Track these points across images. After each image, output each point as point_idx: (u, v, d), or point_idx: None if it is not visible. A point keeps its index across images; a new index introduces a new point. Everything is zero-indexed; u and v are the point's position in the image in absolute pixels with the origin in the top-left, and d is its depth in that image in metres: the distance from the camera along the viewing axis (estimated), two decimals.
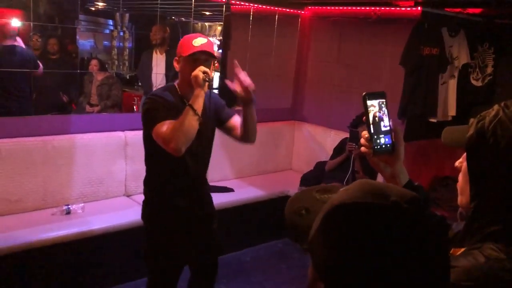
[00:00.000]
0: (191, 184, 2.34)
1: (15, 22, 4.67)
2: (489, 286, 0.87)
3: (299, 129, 4.91)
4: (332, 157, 4.12)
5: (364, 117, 1.11)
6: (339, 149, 4.09)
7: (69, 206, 3.24)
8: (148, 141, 2.21)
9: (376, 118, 1.11)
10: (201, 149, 2.30)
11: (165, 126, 2.03)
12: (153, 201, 2.40)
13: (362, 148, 1.13)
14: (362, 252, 0.65)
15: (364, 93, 1.11)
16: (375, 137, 1.11)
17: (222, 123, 2.38)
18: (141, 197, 3.62)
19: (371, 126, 1.10)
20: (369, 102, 1.10)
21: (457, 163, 1.05)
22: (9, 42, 4.05)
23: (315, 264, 0.70)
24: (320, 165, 4.29)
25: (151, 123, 2.08)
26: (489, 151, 0.92)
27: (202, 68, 2.06)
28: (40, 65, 4.36)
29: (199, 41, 2.13)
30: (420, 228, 0.67)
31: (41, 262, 2.92)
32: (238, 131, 2.34)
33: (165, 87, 2.31)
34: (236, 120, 2.37)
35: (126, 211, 3.38)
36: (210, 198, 2.54)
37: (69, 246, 3.00)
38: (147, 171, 2.40)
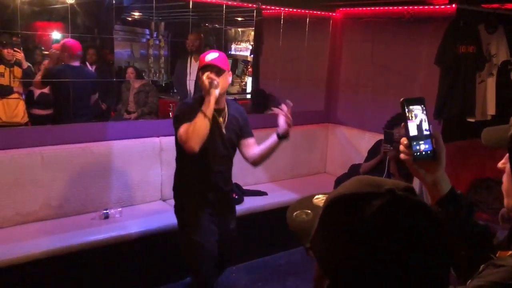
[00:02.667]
0: (214, 184, 2.65)
1: (56, 35, 4.87)
2: None
3: (333, 131, 4.87)
4: (367, 160, 4.06)
5: (403, 124, 1.10)
6: (374, 151, 4.03)
7: (108, 211, 3.34)
8: (177, 142, 2.55)
9: (415, 124, 1.09)
10: (224, 152, 2.63)
11: (184, 129, 2.40)
12: (180, 193, 2.75)
13: (402, 155, 1.11)
14: (361, 240, 0.64)
15: (402, 99, 1.09)
16: (415, 143, 1.08)
17: (239, 137, 2.69)
18: None
19: (410, 132, 1.09)
20: (407, 108, 1.09)
21: (499, 164, 1.02)
22: (75, 63, 4.06)
23: (318, 260, 0.71)
24: (354, 167, 4.24)
25: (176, 126, 2.47)
26: None
27: (206, 74, 2.41)
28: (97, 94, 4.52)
29: (209, 56, 2.48)
30: (416, 214, 0.66)
31: (81, 266, 3.02)
32: (249, 151, 2.68)
33: (194, 96, 2.74)
34: (251, 142, 2.70)
35: (162, 215, 3.44)
36: (231, 200, 2.93)
37: (108, 250, 3.08)
38: (176, 168, 2.75)
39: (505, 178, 0.99)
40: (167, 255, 3.38)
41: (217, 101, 2.48)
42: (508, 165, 0.96)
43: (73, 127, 3.58)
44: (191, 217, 2.66)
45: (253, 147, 2.68)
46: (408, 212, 0.66)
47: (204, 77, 2.41)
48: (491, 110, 3.97)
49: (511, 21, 3.92)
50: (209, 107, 2.38)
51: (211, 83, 2.39)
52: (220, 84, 2.43)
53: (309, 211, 0.79)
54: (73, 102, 4.12)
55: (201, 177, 2.62)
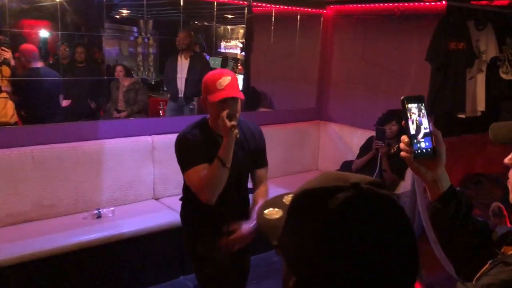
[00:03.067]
0: (229, 211, 2.26)
1: (43, 33, 4.82)
2: None
3: (324, 129, 4.88)
4: (359, 156, 4.09)
5: (403, 122, 1.10)
6: (366, 147, 4.05)
7: (100, 210, 3.31)
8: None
9: (416, 122, 1.09)
10: (235, 178, 2.22)
11: (195, 176, 2.05)
12: (190, 224, 2.38)
13: (402, 153, 1.11)
14: (325, 235, 0.63)
15: (402, 97, 1.09)
16: (415, 141, 1.09)
17: (252, 165, 2.32)
18: (169, 200, 3.69)
19: (411, 130, 1.09)
20: (407, 106, 1.09)
21: (506, 160, 1.02)
22: (34, 65, 4.16)
23: (284, 257, 0.69)
24: (346, 164, 4.26)
25: (183, 166, 2.12)
26: None
27: (224, 113, 2.00)
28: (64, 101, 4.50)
29: (223, 82, 2.06)
30: (381, 207, 0.65)
31: (74, 266, 2.99)
32: (257, 184, 2.35)
33: (196, 123, 2.22)
34: (261, 175, 2.35)
35: (155, 214, 3.43)
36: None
37: (100, 249, 3.06)
38: (184, 196, 2.38)
39: (511, 174, 0.99)
40: (160, 254, 3.37)
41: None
42: None
43: (64, 126, 3.54)
44: (205, 251, 2.30)
45: (260, 184, 2.33)
46: (373, 206, 0.64)
47: (225, 118, 1.99)
48: (481, 106, 4.00)
49: (500, 18, 3.96)
50: (229, 153, 2.02)
51: (232, 128, 2.00)
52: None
53: (279, 210, 0.77)
54: (41, 103, 4.19)
55: (212, 209, 2.20)
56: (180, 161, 2.15)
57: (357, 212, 0.63)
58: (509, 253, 0.93)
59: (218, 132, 2.13)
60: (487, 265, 0.94)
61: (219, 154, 2.02)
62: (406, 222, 0.67)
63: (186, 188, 2.28)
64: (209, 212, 2.21)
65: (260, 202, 2.22)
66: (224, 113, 1.99)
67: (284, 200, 0.79)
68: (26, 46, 4.30)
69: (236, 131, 2.02)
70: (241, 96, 2.11)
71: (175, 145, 2.19)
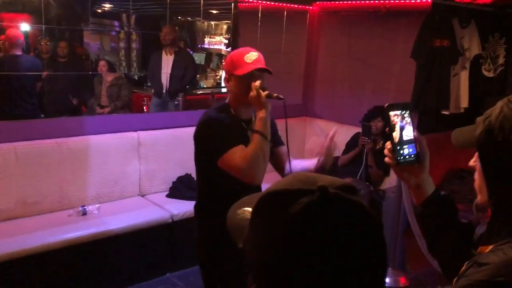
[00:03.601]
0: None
1: (25, 27, 4.72)
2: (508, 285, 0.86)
3: (310, 125, 4.90)
4: (345, 152, 4.11)
5: (387, 129, 1.11)
6: (352, 144, 4.08)
7: (85, 207, 3.26)
8: (199, 161, 2.05)
9: (399, 129, 1.11)
10: None
11: (236, 157, 1.86)
12: (206, 219, 2.14)
13: (386, 159, 1.12)
14: (285, 240, 0.60)
15: (386, 105, 1.11)
16: (398, 147, 1.10)
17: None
18: (155, 196, 3.67)
19: (394, 136, 1.10)
20: (391, 113, 1.10)
21: (471, 163, 1.05)
22: (16, 52, 4.14)
23: (246, 261, 0.66)
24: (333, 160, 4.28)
25: (219, 150, 1.89)
26: (499, 147, 0.92)
27: (258, 83, 1.87)
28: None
29: (251, 57, 1.96)
30: (348, 213, 0.62)
31: (59, 263, 2.94)
32: (282, 162, 2.19)
33: (217, 107, 2.06)
34: (283, 151, 2.19)
35: (141, 211, 3.40)
36: None
37: (86, 247, 3.02)
38: (200, 190, 2.15)
39: (476, 176, 1.02)
40: (146, 251, 3.34)
41: (247, 110, 2.03)
42: (478, 164, 0.99)
43: (48, 122, 3.49)
44: (216, 252, 2.09)
45: (285, 157, 2.18)
46: (337, 212, 0.61)
47: (258, 89, 1.87)
48: (464, 103, 4.06)
49: (483, 16, 4.02)
50: (267, 125, 1.88)
51: (268, 95, 1.88)
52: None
53: (251, 210, 0.72)
54: (16, 92, 4.14)
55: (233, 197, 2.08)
56: (214, 145, 1.91)
57: (319, 218, 0.60)
58: (485, 251, 0.95)
59: (241, 117, 2.02)
60: (464, 267, 0.96)
61: (257, 128, 1.87)
62: (375, 230, 0.64)
63: (204, 181, 2.09)
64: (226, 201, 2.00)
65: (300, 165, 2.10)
66: (258, 83, 1.88)
67: None
68: (13, 31, 4.26)
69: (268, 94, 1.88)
70: (270, 70, 1.98)
71: (202, 130, 1.97)
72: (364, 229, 0.62)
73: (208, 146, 1.95)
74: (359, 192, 0.65)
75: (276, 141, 2.20)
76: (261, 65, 1.96)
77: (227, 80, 2.04)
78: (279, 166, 2.21)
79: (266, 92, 1.88)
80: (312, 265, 0.59)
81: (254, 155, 1.84)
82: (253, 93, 1.87)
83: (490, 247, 0.95)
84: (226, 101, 2.07)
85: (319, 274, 0.59)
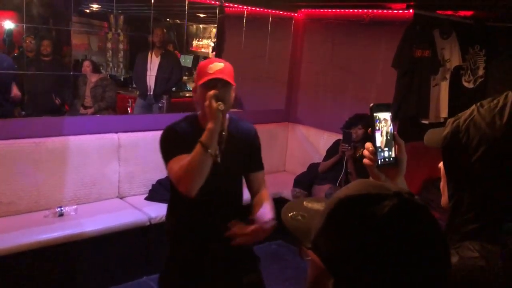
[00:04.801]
0: (216, 222, 1.98)
1: (8, 24, 4.68)
2: (460, 286, 0.87)
3: (292, 130, 4.93)
4: (325, 159, 4.14)
5: (370, 129, 1.10)
6: (332, 150, 4.11)
7: (62, 208, 3.23)
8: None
9: (382, 131, 1.10)
10: (224, 183, 2.00)
11: (176, 165, 1.83)
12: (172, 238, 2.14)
13: (366, 160, 1.12)
14: (372, 240, 0.66)
15: (372, 104, 1.09)
16: (380, 150, 1.10)
17: (245, 168, 2.10)
18: (134, 199, 3.65)
19: (377, 138, 1.09)
20: (375, 114, 1.09)
21: (440, 164, 1.04)
22: None
23: (324, 260, 0.72)
24: (313, 166, 4.30)
25: (165, 158, 1.92)
26: (462, 150, 0.92)
27: (211, 93, 1.80)
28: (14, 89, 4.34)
29: (214, 67, 1.91)
30: (421, 217, 0.69)
31: (34, 265, 2.91)
32: (253, 187, 2.12)
33: (185, 117, 2.06)
34: (259, 178, 2.11)
35: (119, 213, 3.38)
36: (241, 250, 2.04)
37: (62, 248, 2.99)
38: (170, 200, 2.15)
39: (442, 177, 1.03)
40: (123, 254, 3.32)
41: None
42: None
43: (26, 121, 3.45)
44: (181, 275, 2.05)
45: (260, 188, 2.09)
46: (414, 214, 0.69)
47: (211, 98, 1.79)
48: (444, 113, 4.12)
49: (463, 28, 4.09)
50: (213, 137, 1.79)
51: (219, 107, 1.79)
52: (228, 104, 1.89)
53: (304, 214, 0.81)
54: None
55: (199, 221, 2.01)
56: (164, 153, 1.94)
57: (403, 219, 0.67)
58: None
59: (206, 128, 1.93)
60: None
61: (201, 139, 1.78)
62: (440, 230, 0.71)
63: (171, 199, 2.10)
64: (194, 224, 2.02)
65: (267, 205, 1.99)
66: (212, 93, 1.80)
67: (305, 205, 0.84)
68: None
69: (222, 105, 1.80)
70: (231, 81, 1.91)
71: (160, 138, 1.98)
72: (432, 229, 0.70)
73: (162, 153, 1.96)
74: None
75: (253, 165, 2.11)
76: (221, 75, 1.89)
77: (194, 91, 2.01)
78: (252, 191, 2.12)
79: (218, 103, 1.79)
80: (393, 262, 0.65)
81: (189, 165, 1.78)
82: (206, 103, 1.80)
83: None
84: (198, 113, 2.04)
85: (396, 272, 0.66)
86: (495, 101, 0.93)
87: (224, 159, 1.90)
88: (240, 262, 2.07)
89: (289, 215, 0.82)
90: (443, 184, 1.02)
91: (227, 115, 2.02)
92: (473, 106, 0.95)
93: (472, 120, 0.92)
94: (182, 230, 2.07)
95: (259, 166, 2.14)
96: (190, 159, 1.78)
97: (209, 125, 1.80)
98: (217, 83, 1.87)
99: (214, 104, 1.78)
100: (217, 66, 1.92)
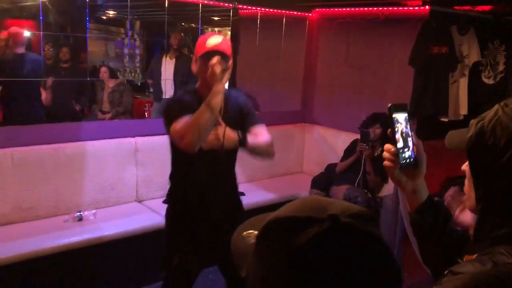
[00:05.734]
0: (213, 188, 2.20)
1: (27, 33, 4.77)
2: None
3: (309, 131, 4.89)
4: (343, 159, 4.10)
5: (389, 130, 1.08)
6: (350, 150, 4.07)
7: (81, 213, 3.27)
8: (172, 145, 2.17)
9: (402, 132, 1.08)
10: (221, 153, 2.11)
11: (179, 124, 1.97)
12: (176, 198, 2.30)
13: (386, 163, 1.10)
14: (294, 271, 0.57)
15: (390, 105, 1.07)
16: (401, 151, 1.08)
17: (244, 128, 2.19)
18: (152, 203, 3.67)
19: (397, 139, 1.08)
20: (394, 115, 1.07)
21: (463, 167, 1.02)
22: (19, 51, 4.13)
23: None
24: (331, 167, 4.27)
25: (168, 124, 2.03)
26: (489, 151, 0.89)
27: (216, 59, 1.92)
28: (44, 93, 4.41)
29: (212, 41, 2.02)
30: (360, 243, 0.58)
31: (54, 269, 2.95)
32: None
33: (184, 91, 2.26)
34: (256, 130, 2.18)
35: (138, 217, 3.41)
36: (236, 204, 2.38)
37: (82, 253, 3.02)
38: (172, 170, 2.30)
39: (466, 181, 1.00)
40: (143, 257, 3.34)
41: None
42: (468, 168, 0.97)
43: (45, 127, 3.50)
44: (185, 233, 2.25)
45: (259, 136, 2.18)
46: (348, 244, 0.57)
47: (214, 62, 1.92)
48: (463, 110, 4.04)
49: (482, 23, 4.01)
50: (217, 97, 1.93)
51: (221, 71, 1.92)
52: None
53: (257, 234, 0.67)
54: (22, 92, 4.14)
55: (199, 184, 2.19)
56: (167, 119, 2.04)
57: (328, 250, 0.57)
58: (464, 261, 0.94)
59: (205, 98, 2.03)
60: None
61: (207, 99, 1.92)
62: (389, 264, 0.60)
63: (172, 161, 2.24)
64: (192, 201, 2.20)
65: (261, 139, 2.13)
66: (214, 59, 1.93)
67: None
68: (16, 29, 4.24)
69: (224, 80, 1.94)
70: (227, 51, 2.00)
71: (163, 108, 2.12)
72: (376, 262, 0.59)
73: (163, 120, 2.07)
74: (375, 220, 0.61)
75: (250, 122, 2.19)
76: (219, 48, 1.99)
77: (193, 63, 2.12)
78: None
79: (220, 69, 1.92)
80: None
81: (195, 121, 1.91)
82: (209, 71, 1.93)
83: (475, 256, 0.92)
84: (196, 85, 2.16)
85: None
86: None
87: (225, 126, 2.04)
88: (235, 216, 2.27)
89: (243, 233, 0.70)
90: (468, 188, 0.99)
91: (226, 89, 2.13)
92: (497, 106, 0.92)
93: (498, 120, 0.89)
94: (182, 190, 2.25)
95: (256, 121, 2.21)
96: (195, 115, 1.92)
97: (214, 88, 1.93)
98: (215, 54, 1.97)
99: (218, 69, 1.91)
100: (215, 40, 2.02)
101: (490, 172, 0.90)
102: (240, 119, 2.18)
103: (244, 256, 0.66)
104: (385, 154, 1.10)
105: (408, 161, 1.09)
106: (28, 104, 4.22)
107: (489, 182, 0.92)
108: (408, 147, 1.09)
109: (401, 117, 1.08)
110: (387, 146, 1.10)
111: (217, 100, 1.93)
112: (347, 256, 0.57)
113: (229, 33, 5.88)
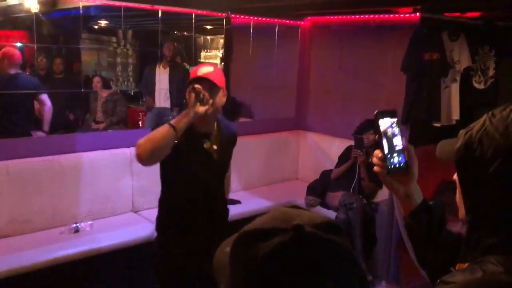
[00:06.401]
0: (203, 214, 2.25)
1: (19, 44, 4.78)
2: None
3: (303, 138, 4.92)
4: (338, 165, 4.12)
5: (377, 136, 1.10)
6: (344, 157, 4.09)
7: (78, 224, 3.26)
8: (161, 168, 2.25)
9: (389, 137, 1.10)
10: (211, 179, 2.23)
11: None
12: (165, 224, 2.38)
13: (376, 168, 1.11)
14: (251, 284, 0.57)
15: (376, 111, 1.09)
16: (389, 156, 1.09)
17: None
18: (148, 213, 3.66)
19: (384, 145, 1.09)
20: (381, 121, 1.09)
21: (455, 176, 1.01)
22: (13, 71, 4.14)
23: None
24: (326, 173, 4.29)
25: None
26: (477, 162, 0.89)
27: (196, 85, 1.96)
28: (47, 102, 4.38)
29: (203, 70, 2.05)
30: (324, 254, 0.58)
31: (51, 282, 2.93)
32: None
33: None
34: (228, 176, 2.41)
35: (134, 227, 3.40)
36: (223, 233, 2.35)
37: (79, 264, 3.01)
38: (161, 191, 2.39)
39: (457, 190, 1.00)
40: (140, 268, 3.33)
41: (205, 123, 2.09)
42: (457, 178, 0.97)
43: (39, 140, 3.50)
44: (176, 250, 2.32)
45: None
46: (311, 253, 0.57)
47: (192, 86, 1.95)
48: (456, 115, 4.09)
49: (472, 29, 4.06)
50: (181, 121, 1.94)
51: (197, 96, 1.94)
52: (213, 104, 2.01)
53: None
54: (9, 112, 4.11)
55: (188, 209, 2.25)
56: None
57: (291, 259, 0.56)
58: (456, 270, 0.94)
59: (199, 130, 2.11)
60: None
61: (172, 122, 1.94)
62: (353, 271, 0.60)
63: (161, 182, 2.32)
64: (181, 218, 2.25)
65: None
66: (195, 86, 1.95)
67: None
68: (12, 50, 4.25)
69: (200, 110, 1.95)
70: (216, 82, 2.02)
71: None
72: (340, 268, 0.58)
73: None
74: (341, 230, 0.62)
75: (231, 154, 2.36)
76: (208, 76, 2.02)
77: (187, 92, 2.13)
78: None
79: (198, 93, 1.95)
80: None
81: (152, 133, 1.94)
82: (187, 95, 1.98)
83: (466, 265, 0.93)
84: None
85: None
86: (507, 110, 0.90)
87: (220, 158, 2.19)
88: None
89: (226, 249, 0.67)
90: (458, 197, 0.99)
91: (218, 119, 2.21)
92: (485, 116, 0.92)
93: (485, 131, 0.89)
94: (169, 226, 2.33)
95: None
96: (154, 131, 1.95)
97: (186, 111, 1.97)
98: (202, 83, 1.99)
99: (192, 96, 1.94)
100: (206, 69, 2.06)
101: (478, 183, 0.91)
102: (232, 144, 2.33)
103: (224, 270, 0.66)
104: (374, 159, 1.11)
105: (398, 165, 1.10)
106: (22, 117, 4.19)
107: (477, 192, 0.92)
108: (397, 152, 1.10)
109: (388, 122, 1.09)
110: (376, 151, 1.11)
111: (182, 121, 1.94)
112: (310, 265, 0.57)
113: (222, 41, 5.91)
